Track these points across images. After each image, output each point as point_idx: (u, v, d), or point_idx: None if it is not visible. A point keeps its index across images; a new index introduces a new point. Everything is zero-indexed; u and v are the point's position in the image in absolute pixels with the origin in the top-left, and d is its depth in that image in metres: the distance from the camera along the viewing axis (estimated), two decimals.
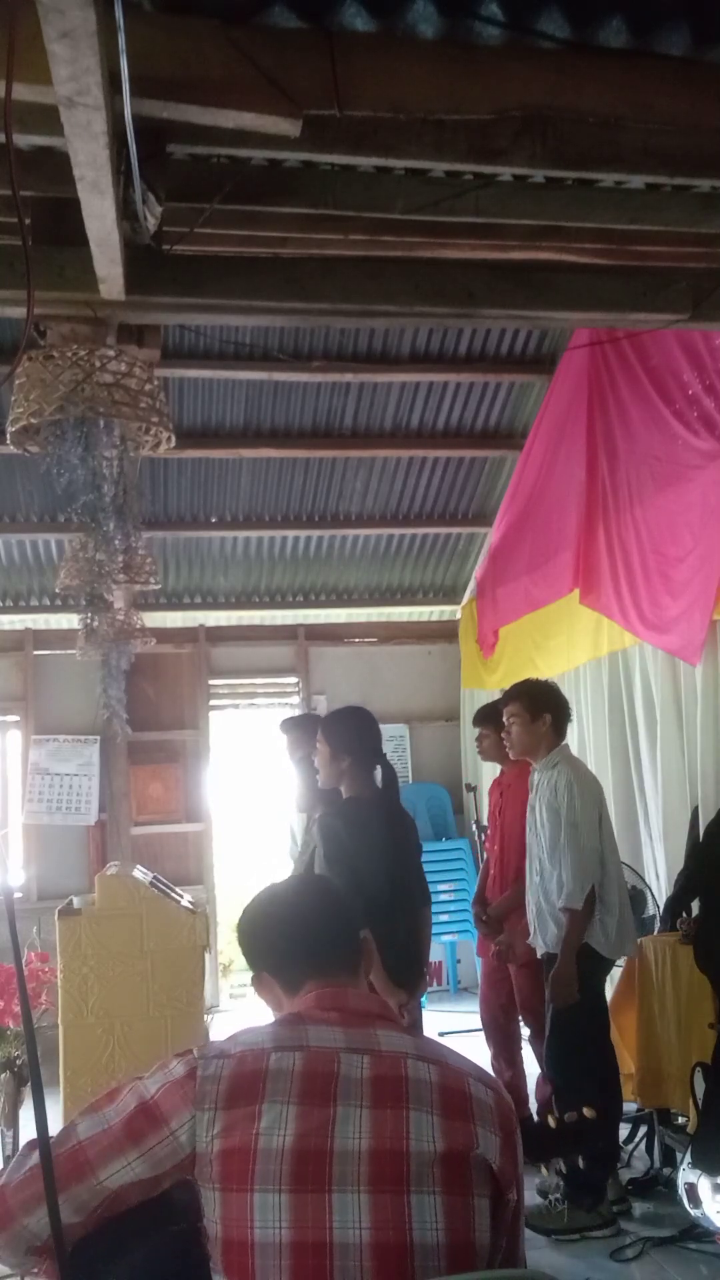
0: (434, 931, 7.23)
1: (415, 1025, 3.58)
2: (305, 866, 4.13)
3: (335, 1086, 1.40)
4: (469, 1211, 1.38)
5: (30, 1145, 1.44)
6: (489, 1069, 4.70)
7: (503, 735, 4.29)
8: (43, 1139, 1.23)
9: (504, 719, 4.20)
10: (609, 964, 3.95)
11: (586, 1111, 1.96)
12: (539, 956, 4.08)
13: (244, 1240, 1.32)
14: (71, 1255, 1.35)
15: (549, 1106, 4.06)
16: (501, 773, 4.97)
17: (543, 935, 3.98)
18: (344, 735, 3.54)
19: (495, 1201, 1.43)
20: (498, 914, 4.61)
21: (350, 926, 1.66)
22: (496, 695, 6.36)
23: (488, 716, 4.92)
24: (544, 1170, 3.91)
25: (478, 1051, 4.74)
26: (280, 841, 5.81)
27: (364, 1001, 1.56)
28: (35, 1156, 1.40)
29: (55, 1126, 1.39)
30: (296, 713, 7.13)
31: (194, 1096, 1.40)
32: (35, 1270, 1.43)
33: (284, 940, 1.63)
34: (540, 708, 4.08)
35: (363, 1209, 1.33)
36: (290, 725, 5.02)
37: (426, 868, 7.20)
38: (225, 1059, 1.43)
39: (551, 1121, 1.92)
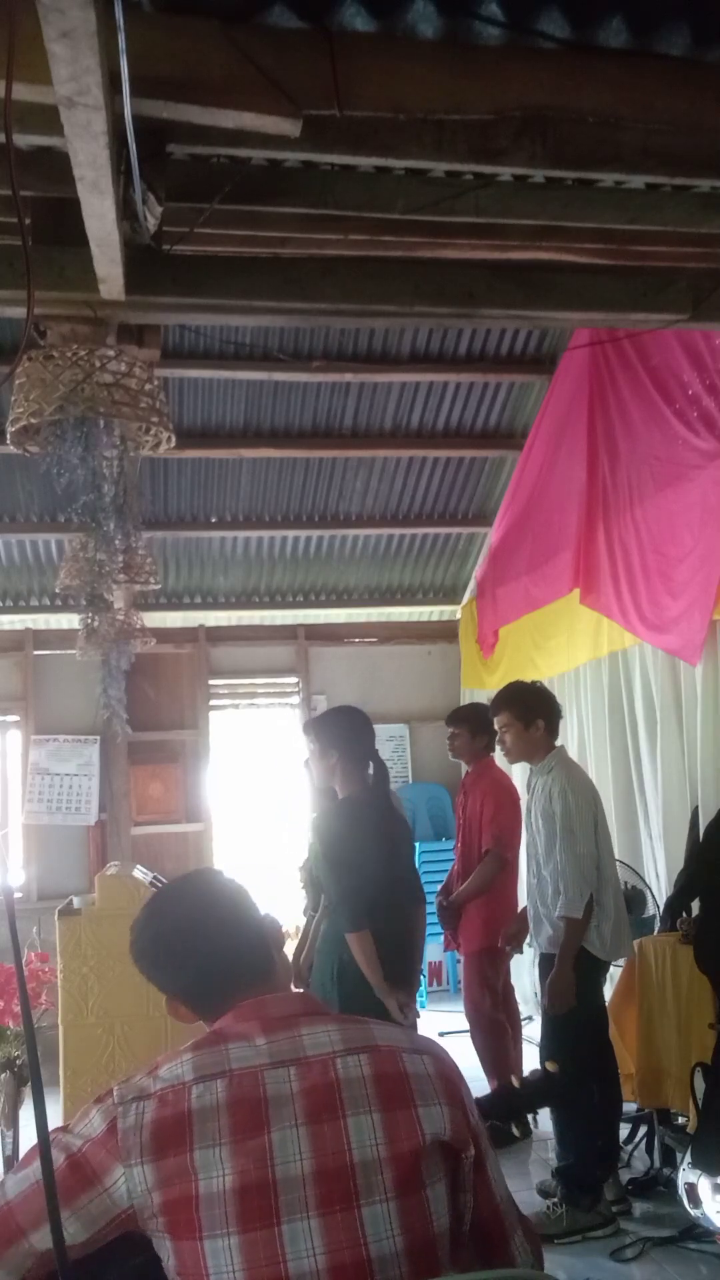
0: (433, 932, 7.24)
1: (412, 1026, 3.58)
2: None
3: (265, 1111, 1.35)
4: (424, 1206, 1.35)
5: None
6: (479, 1067, 4.73)
7: (498, 743, 4.30)
8: (43, 1139, 1.23)
9: (496, 727, 4.19)
10: (605, 966, 3.94)
11: (549, 1066, 1.98)
12: (536, 957, 4.09)
13: None
14: None
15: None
16: (465, 774, 5.18)
17: (537, 937, 3.97)
18: (330, 732, 3.54)
19: (452, 1169, 1.41)
20: (456, 902, 4.86)
21: (255, 926, 1.57)
22: None
23: (463, 717, 5.13)
24: (514, 1130, 3.99)
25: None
26: (298, 846, 5.83)
27: (285, 1004, 1.50)
28: None
29: (55, 1126, 1.38)
30: (306, 714, 7.15)
31: (119, 1151, 1.34)
32: None
33: (194, 968, 1.54)
34: (533, 714, 4.04)
35: (314, 1234, 1.30)
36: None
37: (427, 868, 7.24)
38: (144, 1101, 1.37)
39: (515, 1082, 1.94)
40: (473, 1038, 4.77)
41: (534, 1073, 2.08)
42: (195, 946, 1.55)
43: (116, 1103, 1.39)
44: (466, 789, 5.08)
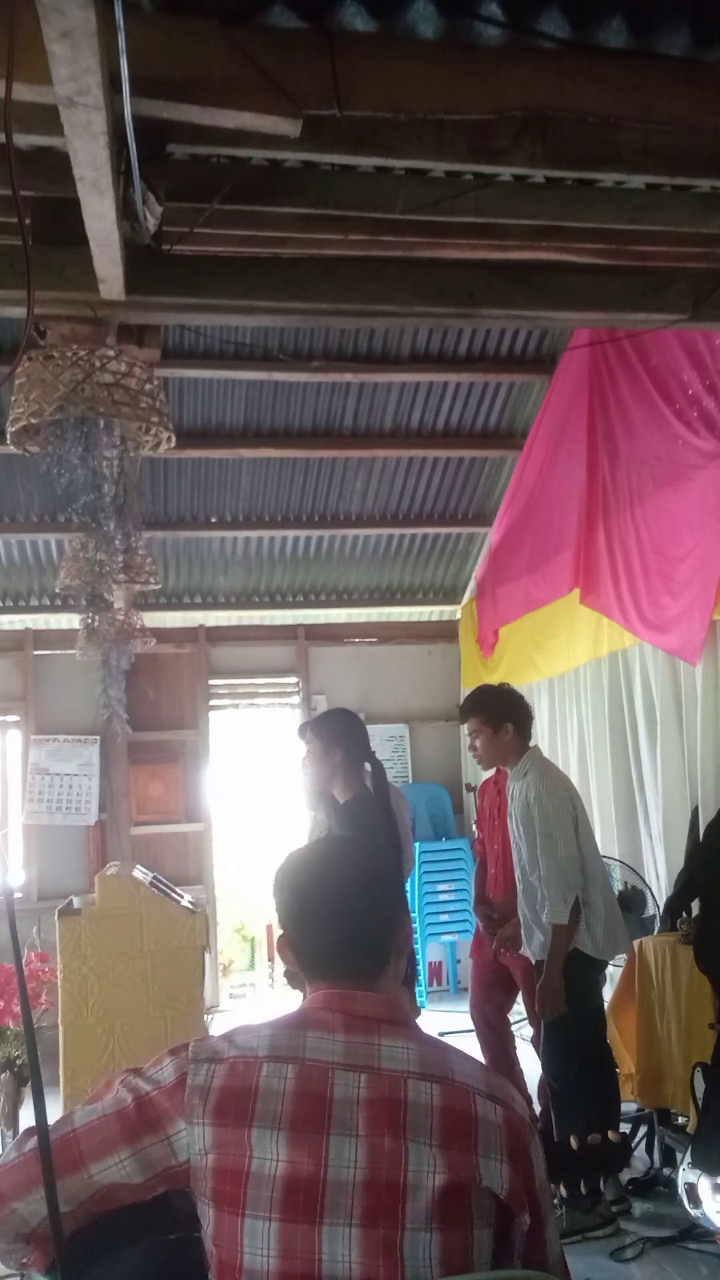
0: (434, 931, 7.23)
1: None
2: None
3: (329, 1112, 1.36)
4: (466, 1246, 1.34)
5: (29, 1131, 1.42)
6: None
7: (469, 749, 4.25)
8: (43, 1139, 1.23)
9: (467, 734, 4.16)
10: (601, 965, 3.93)
11: (611, 1135, 1.94)
12: (533, 963, 4.06)
13: (234, 1263, 1.31)
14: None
15: (548, 1112, 4.06)
16: (497, 770, 4.95)
17: (530, 944, 3.95)
18: (334, 730, 3.59)
19: (502, 1228, 1.39)
20: (507, 909, 4.46)
21: (383, 926, 1.56)
22: None
23: None
24: (561, 1189, 3.93)
25: (476, 1053, 4.74)
26: (298, 840, 5.81)
27: (372, 1006, 1.48)
28: (32, 1141, 1.38)
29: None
30: (306, 715, 7.13)
31: (183, 1107, 1.37)
32: (25, 1260, 1.41)
33: (309, 934, 1.55)
34: (500, 718, 4.01)
35: (353, 1243, 1.30)
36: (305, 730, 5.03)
37: (427, 867, 7.21)
38: (217, 1064, 1.40)
39: (574, 1143, 1.90)
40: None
41: (594, 1138, 2.03)
42: (318, 917, 1.54)
43: (190, 1059, 1.42)
44: (501, 788, 4.72)
